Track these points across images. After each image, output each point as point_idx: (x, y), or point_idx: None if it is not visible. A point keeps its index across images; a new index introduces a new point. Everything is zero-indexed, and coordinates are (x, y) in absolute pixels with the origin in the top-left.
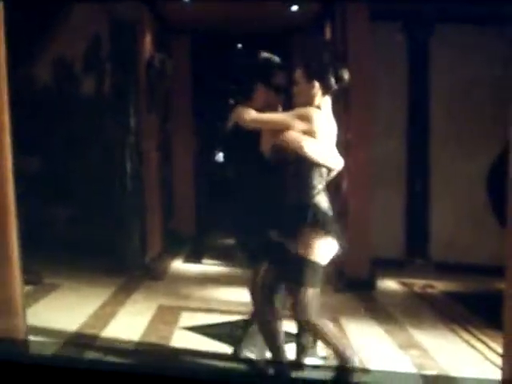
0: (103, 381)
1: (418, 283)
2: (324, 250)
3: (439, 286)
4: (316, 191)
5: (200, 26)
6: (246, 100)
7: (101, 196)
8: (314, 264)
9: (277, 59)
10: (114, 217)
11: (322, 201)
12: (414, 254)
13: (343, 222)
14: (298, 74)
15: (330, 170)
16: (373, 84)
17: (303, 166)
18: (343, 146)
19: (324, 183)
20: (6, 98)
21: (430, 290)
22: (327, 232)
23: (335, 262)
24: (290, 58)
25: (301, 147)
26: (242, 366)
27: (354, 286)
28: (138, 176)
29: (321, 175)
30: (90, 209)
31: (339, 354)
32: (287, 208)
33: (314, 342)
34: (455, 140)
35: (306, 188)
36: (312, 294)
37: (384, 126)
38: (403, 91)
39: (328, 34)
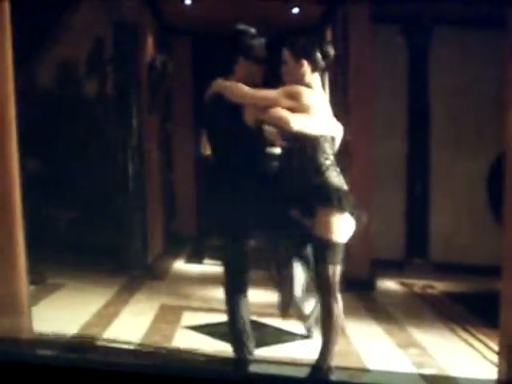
0: (106, 381)
1: (418, 283)
2: (341, 227)
3: (439, 286)
4: (324, 168)
5: (201, 27)
6: (228, 73)
7: (103, 197)
8: (332, 243)
9: (253, 31)
10: (116, 218)
11: (332, 176)
12: (413, 254)
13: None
14: (286, 53)
15: (333, 143)
16: (373, 85)
17: (303, 144)
18: (344, 147)
19: (331, 158)
20: (12, 100)
21: (429, 291)
22: (342, 208)
23: None
24: None
25: (287, 122)
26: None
27: (353, 286)
28: (140, 177)
29: (324, 151)
30: (92, 210)
31: (328, 347)
32: (298, 189)
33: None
34: (455, 141)
35: (313, 166)
36: (333, 271)
37: (384, 128)
38: (403, 93)
39: (329, 36)
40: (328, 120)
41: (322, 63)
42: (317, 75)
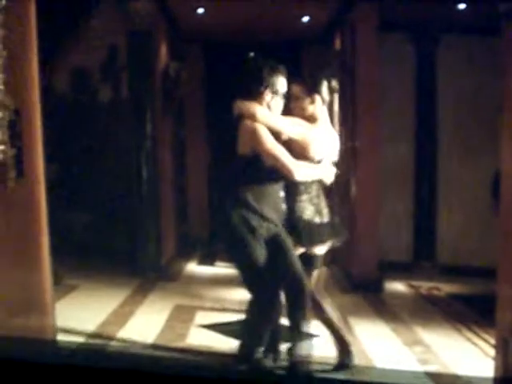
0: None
1: (425, 285)
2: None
3: (445, 288)
4: (298, 203)
5: (213, 35)
6: (250, 100)
7: (117, 201)
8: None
9: (283, 69)
10: (130, 221)
11: (306, 212)
12: (421, 257)
13: (352, 226)
14: (298, 89)
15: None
16: (381, 92)
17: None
18: (352, 152)
19: (311, 193)
20: (39, 107)
21: (436, 292)
22: (306, 243)
23: (344, 265)
24: (300, 67)
25: (291, 174)
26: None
27: (362, 287)
28: (154, 181)
29: (306, 189)
30: (107, 213)
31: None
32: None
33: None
34: (462, 146)
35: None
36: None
37: (392, 133)
38: (411, 100)
39: (338, 44)
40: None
41: (327, 98)
42: (325, 108)
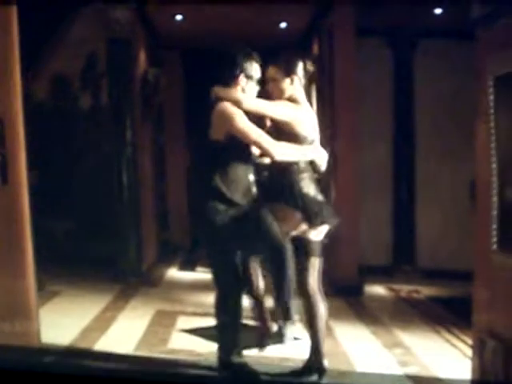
0: None
1: (405, 289)
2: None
3: (425, 291)
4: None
5: (191, 42)
6: (224, 86)
7: (98, 208)
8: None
9: (257, 55)
10: (111, 228)
11: (306, 187)
12: (401, 260)
13: (333, 230)
14: (274, 70)
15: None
16: (359, 96)
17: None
18: (330, 155)
19: (307, 171)
20: (21, 115)
21: (415, 295)
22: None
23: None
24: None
25: (270, 154)
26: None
27: (342, 291)
28: (134, 187)
29: (300, 169)
30: (88, 220)
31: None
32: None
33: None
34: (440, 149)
35: (289, 178)
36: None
37: (370, 137)
38: (389, 103)
39: (316, 49)
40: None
41: (304, 79)
42: (302, 89)
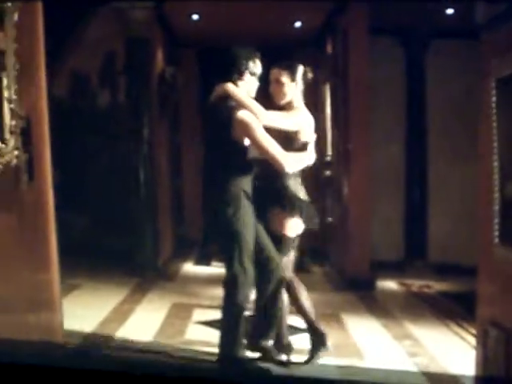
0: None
1: (416, 283)
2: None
3: (436, 286)
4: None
5: (207, 40)
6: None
7: (115, 204)
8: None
9: (259, 54)
10: (129, 223)
11: (291, 185)
12: (413, 256)
13: (345, 226)
14: (282, 74)
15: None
16: (372, 95)
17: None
18: (344, 154)
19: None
20: (46, 115)
21: (426, 290)
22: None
23: (337, 264)
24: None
25: (282, 167)
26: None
27: (354, 285)
28: (151, 184)
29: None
30: (106, 216)
31: (311, 322)
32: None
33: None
34: (451, 149)
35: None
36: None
37: (384, 136)
38: (402, 102)
39: (329, 48)
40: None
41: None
42: (301, 95)
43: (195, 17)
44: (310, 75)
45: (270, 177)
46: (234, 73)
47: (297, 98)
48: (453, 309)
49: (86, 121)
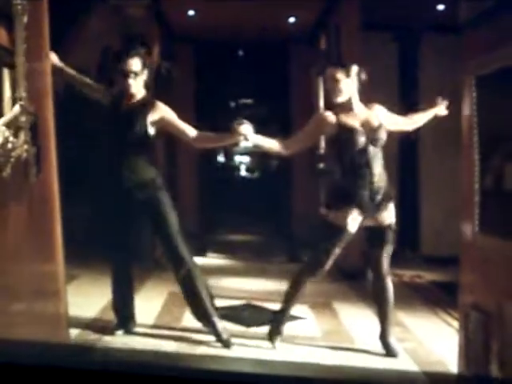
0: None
1: (408, 274)
2: None
3: (427, 276)
4: None
5: (203, 36)
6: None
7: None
8: None
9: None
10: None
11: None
12: (405, 247)
13: None
14: (338, 71)
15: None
16: (364, 90)
17: None
18: None
19: None
20: (52, 111)
21: (417, 280)
22: None
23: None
24: (287, 64)
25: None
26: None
27: (346, 276)
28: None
29: None
30: (103, 208)
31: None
32: None
33: None
34: (444, 140)
35: None
36: None
37: None
38: (394, 97)
39: (323, 43)
40: None
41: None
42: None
43: (191, 13)
44: (364, 75)
45: None
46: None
47: (354, 95)
48: (442, 297)
49: (84, 115)
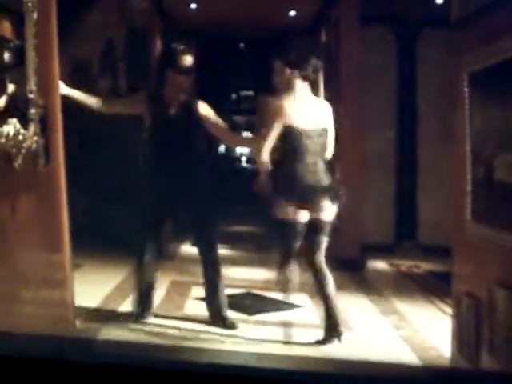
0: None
1: (406, 264)
2: None
3: (425, 266)
4: None
5: (204, 29)
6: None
7: (117, 188)
8: None
9: (182, 46)
10: (129, 205)
11: None
12: (403, 238)
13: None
14: (280, 64)
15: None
16: (364, 82)
17: None
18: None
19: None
20: (59, 104)
21: (415, 270)
22: None
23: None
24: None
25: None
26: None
27: (346, 266)
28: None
29: None
30: (106, 199)
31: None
32: None
33: None
34: (441, 133)
35: None
36: None
37: (376, 122)
38: (393, 89)
39: (323, 36)
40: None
41: (312, 75)
42: (306, 83)
43: (193, 6)
44: (320, 66)
45: None
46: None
47: (299, 86)
48: (438, 286)
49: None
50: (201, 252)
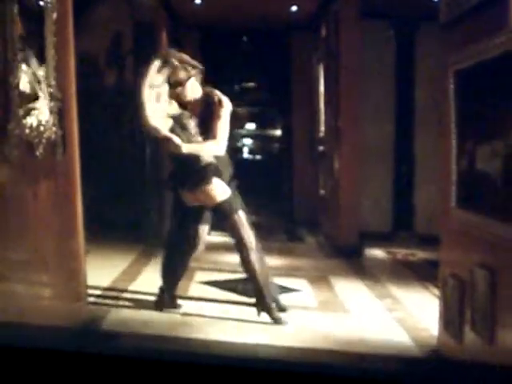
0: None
1: (402, 252)
2: None
3: (420, 254)
4: None
5: (209, 23)
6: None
7: (124, 178)
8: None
9: None
10: (136, 196)
11: None
12: (400, 227)
13: (336, 199)
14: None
15: None
16: (363, 75)
17: None
18: (335, 130)
19: None
20: (75, 98)
21: (411, 257)
22: None
23: (328, 233)
24: (288, 51)
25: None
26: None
27: (344, 253)
28: (156, 158)
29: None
30: (115, 189)
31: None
32: None
33: None
34: (438, 124)
35: None
36: None
37: (374, 114)
38: (392, 82)
39: (324, 31)
40: None
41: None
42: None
43: (197, 1)
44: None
45: None
46: None
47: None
48: (432, 273)
49: (94, 98)
50: None
